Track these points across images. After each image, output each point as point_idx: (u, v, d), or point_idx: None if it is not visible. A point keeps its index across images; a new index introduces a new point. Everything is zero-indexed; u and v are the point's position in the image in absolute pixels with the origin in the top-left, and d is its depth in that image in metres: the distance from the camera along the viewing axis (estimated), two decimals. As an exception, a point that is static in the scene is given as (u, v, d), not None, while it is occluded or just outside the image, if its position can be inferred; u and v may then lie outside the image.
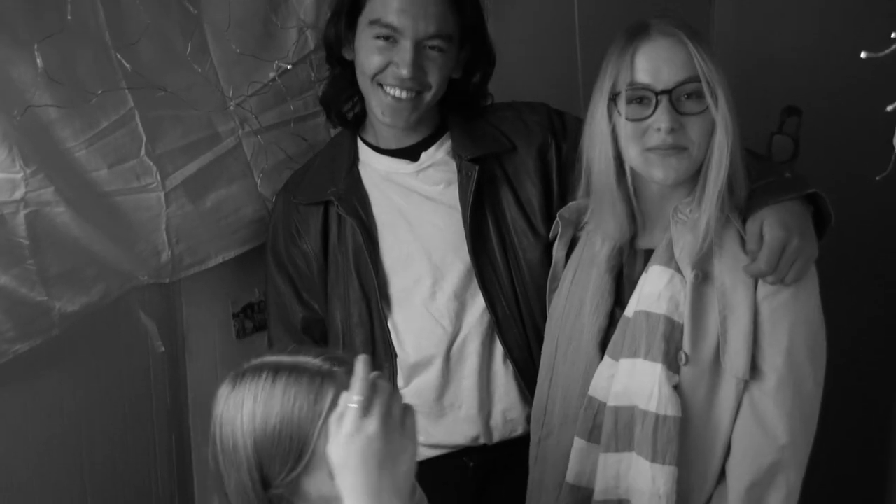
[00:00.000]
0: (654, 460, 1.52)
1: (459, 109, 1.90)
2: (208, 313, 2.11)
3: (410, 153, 1.88)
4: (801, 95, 2.55)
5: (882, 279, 2.56)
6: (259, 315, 2.18)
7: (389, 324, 1.85)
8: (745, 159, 1.55)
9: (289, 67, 2.08)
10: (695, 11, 2.78)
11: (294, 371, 1.25)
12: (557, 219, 1.76)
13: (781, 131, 2.49)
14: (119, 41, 1.75)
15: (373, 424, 1.16)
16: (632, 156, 1.56)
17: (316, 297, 1.94)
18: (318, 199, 1.89)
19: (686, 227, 1.55)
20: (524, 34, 2.51)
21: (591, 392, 1.61)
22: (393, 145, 1.88)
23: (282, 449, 1.22)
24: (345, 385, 1.21)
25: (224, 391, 1.28)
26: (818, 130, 2.54)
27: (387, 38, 1.76)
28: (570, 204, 1.75)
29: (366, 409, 1.17)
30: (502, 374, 1.84)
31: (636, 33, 1.54)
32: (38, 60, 1.59)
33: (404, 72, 1.74)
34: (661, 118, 1.50)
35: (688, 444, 1.53)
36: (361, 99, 1.89)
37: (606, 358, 1.60)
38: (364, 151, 1.92)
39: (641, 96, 1.52)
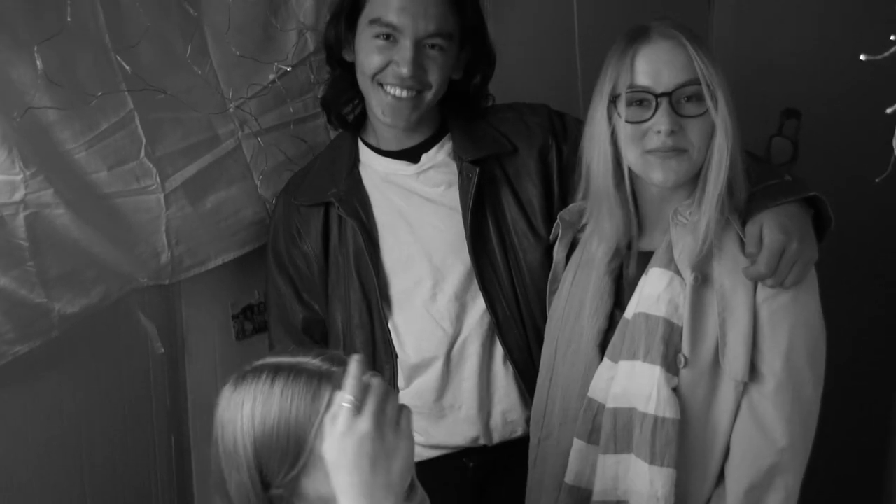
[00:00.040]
0: (652, 462, 1.52)
1: (460, 111, 1.90)
2: (208, 315, 2.11)
3: (411, 155, 1.88)
4: (801, 99, 2.55)
5: (882, 279, 2.57)
6: (259, 317, 2.18)
7: (390, 325, 1.85)
8: (745, 162, 1.55)
9: (288, 69, 2.08)
10: (694, 16, 2.79)
11: (293, 371, 1.26)
12: (558, 220, 1.76)
13: (780, 134, 2.50)
14: (119, 43, 1.75)
15: (365, 423, 1.17)
16: (631, 158, 1.56)
17: (316, 297, 1.94)
18: (319, 200, 1.89)
19: (686, 229, 1.55)
20: (523, 36, 2.51)
21: (590, 393, 1.61)
22: (393, 147, 1.89)
23: (280, 449, 1.22)
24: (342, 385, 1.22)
25: (226, 392, 1.28)
26: (817, 133, 2.55)
27: (387, 37, 1.76)
28: (571, 206, 1.75)
29: (358, 408, 1.18)
30: (502, 375, 1.84)
31: (636, 36, 1.54)
32: (38, 62, 1.60)
33: (404, 70, 1.75)
34: (660, 120, 1.50)
35: (686, 446, 1.53)
36: (362, 101, 1.89)
37: (606, 360, 1.61)
38: (365, 153, 1.92)
39: (641, 99, 1.52)
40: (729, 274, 1.53)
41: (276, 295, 1.97)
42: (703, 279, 1.53)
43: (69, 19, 1.63)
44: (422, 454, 1.70)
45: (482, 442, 1.86)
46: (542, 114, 1.91)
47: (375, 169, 1.90)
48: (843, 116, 2.60)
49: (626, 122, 1.54)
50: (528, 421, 1.79)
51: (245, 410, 1.24)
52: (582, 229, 1.72)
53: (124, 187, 1.79)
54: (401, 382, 1.85)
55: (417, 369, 1.85)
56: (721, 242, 1.54)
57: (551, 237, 1.80)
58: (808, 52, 2.77)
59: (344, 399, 1.18)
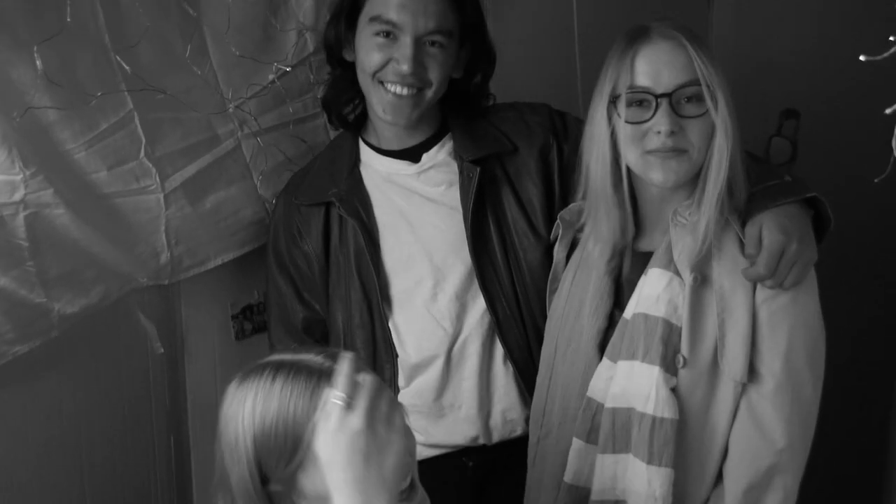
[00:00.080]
0: (650, 462, 1.52)
1: (460, 110, 1.91)
2: (207, 315, 2.11)
3: (412, 154, 1.88)
4: (800, 98, 2.55)
5: (882, 279, 2.57)
6: (258, 317, 2.18)
7: (390, 324, 1.85)
8: (745, 162, 1.55)
9: (288, 70, 2.08)
10: (693, 15, 2.79)
11: (293, 368, 1.27)
12: (558, 220, 1.77)
13: (780, 134, 2.50)
14: (118, 43, 1.75)
15: (357, 420, 1.18)
16: (631, 159, 1.56)
17: (317, 297, 1.94)
18: (320, 200, 1.90)
19: (685, 229, 1.55)
20: (523, 35, 2.51)
21: (589, 393, 1.62)
22: (394, 146, 1.89)
23: (278, 444, 1.23)
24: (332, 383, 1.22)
25: (231, 389, 1.30)
26: (817, 133, 2.54)
27: (387, 35, 1.76)
28: (571, 206, 1.75)
29: (350, 405, 1.18)
30: (502, 374, 1.84)
31: (636, 36, 1.54)
32: (38, 62, 1.60)
33: (405, 67, 1.75)
34: (660, 121, 1.50)
35: (685, 446, 1.53)
36: (362, 100, 1.89)
37: (605, 359, 1.61)
38: (365, 153, 1.92)
39: (641, 99, 1.52)
40: (728, 274, 1.53)
41: (276, 295, 1.97)
42: (702, 280, 1.53)
43: (69, 19, 1.63)
44: (421, 453, 1.71)
45: (482, 441, 1.86)
46: (543, 113, 1.91)
47: (376, 169, 1.90)
48: (843, 116, 2.60)
49: (626, 122, 1.53)
50: (527, 420, 1.79)
51: (247, 406, 1.25)
52: (582, 229, 1.72)
53: (124, 187, 1.80)
54: (401, 382, 1.85)
55: (418, 369, 1.85)
56: (720, 243, 1.54)
57: (552, 237, 1.80)
58: (807, 51, 2.77)
59: (335, 396, 1.19)
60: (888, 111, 1.07)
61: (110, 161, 1.76)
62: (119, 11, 1.76)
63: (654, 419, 1.51)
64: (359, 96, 1.89)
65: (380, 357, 1.85)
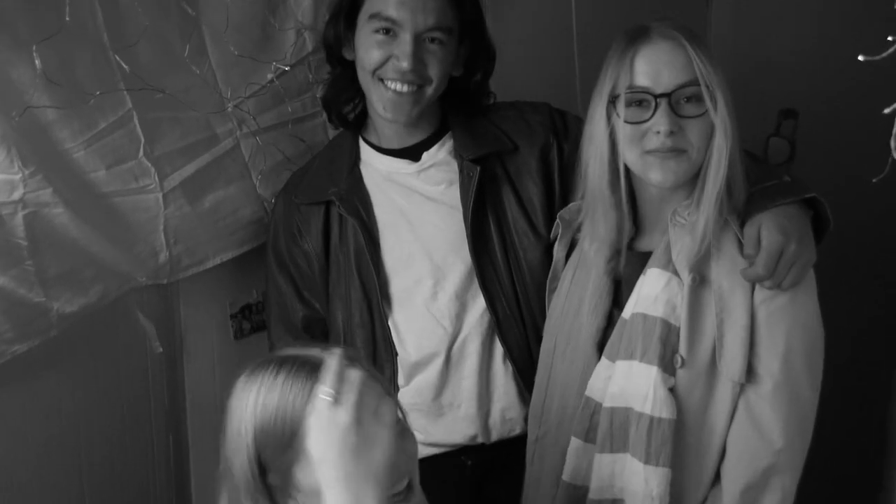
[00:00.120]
0: (647, 462, 1.52)
1: (461, 108, 1.91)
2: (206, 314, 2.11)
3: (412, 153, 1.88)
4: (799, 98, 2.56)
5: (882, 279, 2.57)
6: (257, 316, 2.18)
7: (390, 323, 1.86)
8: (745, 162, 1.55)
9: (287, 69, 2.08)
10: (692, 14, 2.79)
11: (297, 363, 1.29)
12: (558, 220, 1.77)
13: (778, 134, 2.50)
14: (117, 42, 1.75)
15: (343, 414, 1.18)
16: (630, 158, 1.56)
17: (317, 296, 1.94)
18: (320, 199, 1.90)
19: (684, 229, 1.55)
20: (522, 34, 2.51)
21: (587, 392, 1.62)
22: (395, 145, 1.89)
23: (277, 436, 1.25)
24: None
25: (239, 381, 1.31)
26: (816, 133, 2.55)
27: (386, 32, 1.77)
28: (571, 205, 1.76)
29: (338, 400, 1.19)
30: (502, 373, 1.84)
31: (636, 36, 1.54)
32: (37, 61, 1.59)
33: (405, 64, 1.75)
34: (660, 121, 1.50)
35: (682, 446, 1.53)
36: (362, 99, 1.89)
37: (603, 359, 1.61)
38: (366, 151, 1.92)
39: (641, 99, 1.52)
40: (727, 275, 1.53)
41: (276, 294, 1.97)
42: (700, 280, 1.53)
43: (68, 19, 1.62)
44: (420, 452, 1.70)
45: (480, 440, 1.86)
46: (544, 112, 1.91)
47: (376, 167, 1.90)
48: (842, 116, 2.60)
49: (626, 122, 1.54)
50: (526, 419, 1.79)
51: (251, 397, 1.27)
52: (580, 228, 1.73)
53: (123, 186, 1.80)
54: (401, 380, 1.86)
55: (417, 367, 1.85)
56: (719, 243, 1.54)
57: (552, 236, 1.80)
58: (806, 51, 2.77)
59: (322, 392, 1.20)
60: (887, 111, 1.07)
61: (109, 160, 1.76)
62: (118, 11, 1.76)
63: (651, 419, 1.51)
64: (359, 95, 1.89)
65: (380, 356, 1.86)
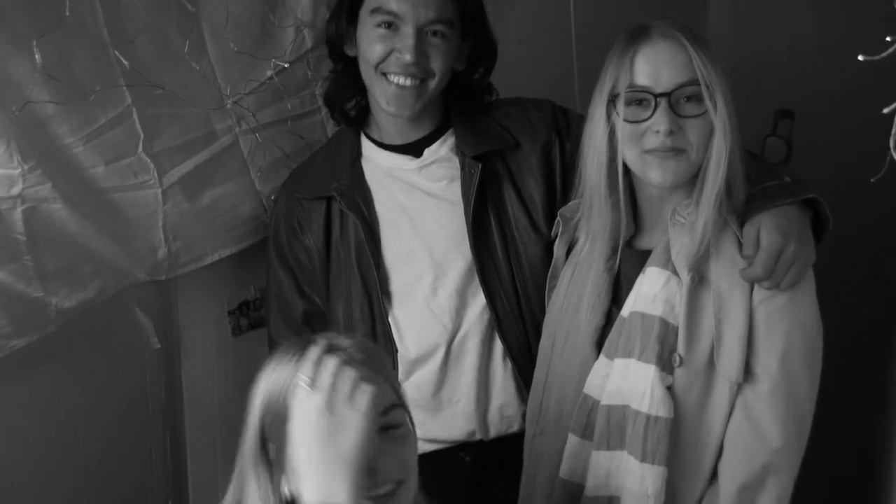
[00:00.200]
0: (643, 460, 1.52)
1: (463, 105, 1.91)
2: (204, 311, 2.11)
3: (414, 149, 1.88)
4: (797, 98, 2.56)
5: (882, 279, 2.57)
6: (255, 313, 2.18)
7: (390, 319, 1.86)
8: (745, 162, 1.56)
9: (286, 66, 2.08)
10: (690, 14, 2.78)
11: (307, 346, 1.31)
12: (558, 217, 1.77)
13: (774, 134, 2.51)
14: (117, 38, 1.75)
15: (316, 398, 1.21)
16: (630, 158, 1.56)
17: (317, 290, 1.94)
18: (321, 194, 1.90)
19: (683, 229, 1.56)
20: (522, 35, 2.51)
21: (585, 390, 1.62)
22: (397, 141, 1.89)
23: (274, 412, 1.27)
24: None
25: (269, 362, 1.35)
26: (814, 132, 2.55)
27: (388, 26, 1.77)
28: (571, 203, 1.75)
29: (313, 385, 1.22)
30: (501, 371, 1.84)
31: (636, 35, 1.54)
32: (37, 57, 1.59)
33: (407, 57, 1.75)
34: (659, 120, 1.51)
35: (680, 444, 1.53)
36: (364, 96, 1.90)
37: (602, 357, 1.61)
38: (367, 147, 1.92)
39: (641, 98, 1.53)
40: (726, 275, 1.53)
41: (276, 288, 1.97)
42: (699, 279, 1.53)
43: (68, 14, 1.62)
44: (419, 448, 1.71)
45: (478, 436, 1.86)
46: (546, 109, 1.92)
47: (378, 163, 1.91)
48: (840, 116, 2.60)
49: (625, 121, 1.54)
50: (524, 416, 1.79)
51: (268, 370, 1.31)
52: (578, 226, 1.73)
53: (122, 182, 1.79)
54: (400, 376, 1.85)
55: (417, 363, 1.85)
56: (719, 243, 1.54)
57: (552, 234, 1.80)
58: (804, 51, 2.77)
59: (299, 378, 1.23)
60: (886, 111, 1.07)
61: (108, 156, 1.76)
62: (118, 6, 1.76)
63: (648, 417, 1.52)
64: (360, 92, 1.89)
65: (380, 351, 1.86)
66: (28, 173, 1.59)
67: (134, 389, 1.97)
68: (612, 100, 1.55)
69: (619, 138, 1.56)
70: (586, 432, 1.61)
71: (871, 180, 1.25)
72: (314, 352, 1.26)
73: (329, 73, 1.97)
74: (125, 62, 1.75)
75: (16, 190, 1.59)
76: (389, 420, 1.31)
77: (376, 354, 1.37)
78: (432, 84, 1.81)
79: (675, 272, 1.55)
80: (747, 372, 1.52)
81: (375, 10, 1.77)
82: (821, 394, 1.56)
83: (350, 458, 1.19)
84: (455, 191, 1.85)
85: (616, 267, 1.64)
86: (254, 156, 2.06)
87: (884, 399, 2.13)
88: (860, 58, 1.10)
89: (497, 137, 1.87)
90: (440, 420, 1.85)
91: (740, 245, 1.54)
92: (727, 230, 1.55)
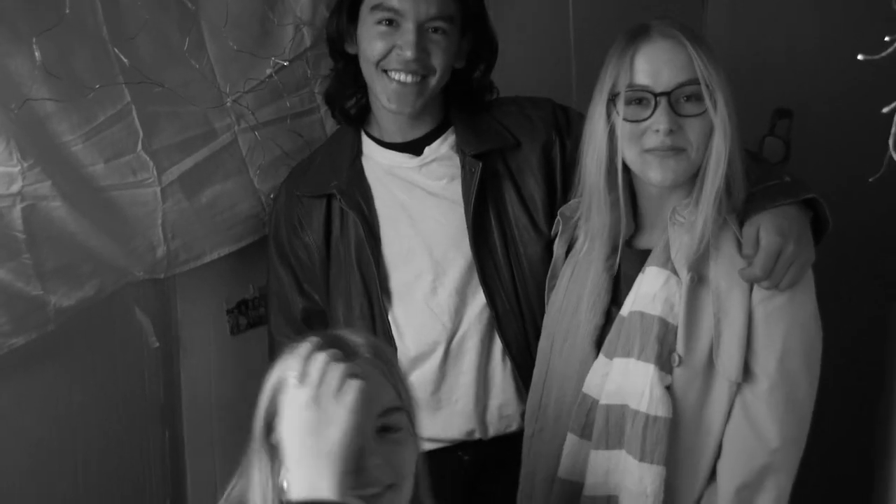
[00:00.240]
0: (642, 459, 1.52)
1: (463, 104, 1.91)
2: (203, 309, 2.11)
3: (414, 147, 1.89)
4: (795, 98, 2.56)
5: (882, 279, 2.57)
6: (253, 312, 2.18)
7: (390, 318, 1.86)
8: (745, 162, 1.56)
9: (285, 64, 2.08)
10: (688, 14, 2.79)
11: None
12: (558, 216, 1.77)
13: (772, 134, 2.50)
14: (117, 36, 1.75)
15: (303, 393, 1.21)
16: (630, 157, 1.57)
17: (317, 288, 1.94)
18: (321, 192, 1.90)
19: (683, 228, 1.56)
20: (521, 35, 2.51)
21: (584, 389, 1.62)
22: (397, 139, 1.89)
23: (274, 404, 1.28)
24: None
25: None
26: (814, 132, 2.55)
27: (389, 22, 1.77)
28: (571, 202, 1.75)
29: (300, 380, 1.22)
30: (500, 370, 1.84)
31: (637, 35, 1.54)
32: (36, 54, 1.59)
33: (408, 53, 1.76)
34: (659, 120, 1.51)
35: (678, 444, 1.53)
36: (364, 94, 1.90)
37: (601, 356, 1.61)
38: (367, 145, 1.93)
39: (640, 97, 1.53)
40: (725, 275, 1.53)
41: (276, 285, 1.97)
42: (699, 279, 1.54)
43: (67, 11, 1.62)
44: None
45: (477, 435, 1.86)
46: (546, 108, 1.92)
47: (378, 161, 1.91)
48: (839, 116, 2.60)
49: (625, 120, 1.54)
50: (523, 416, 1.79)
51: (280, 364, 1.31)
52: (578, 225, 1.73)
53: (121, 180, 1.79)
54: (400, 375, 1.86)
55: (416, 362, 1.85)
56: (718, 243, 1.55)
57: (552, 233, 1.81)
58: (803, 51, 2.77)
59: (288, 373, 1.24)
60: (886, 110, 1.07)
61: (107, 154, 1.76)
62: (117, 4, 1.76)
63: (647, 417, 1.52)
64: (361, 90, 1.90)
65: (379, 349, 1.86)
66: (27, 171, 1.59)
67: (133, 388, 1.97)
68: (612, 99, 1.56)
69: (619, 137, 1.56)
70: (585, 431, 1.61)
71: (870, 180, 1.25)
72: (305, 347, 1.26)
73: (329, 72, 1.97)
74: (125, 60, 1.75)
75: (15, 188, 1.59)
76: (388, 422, 1.30)
77: (385, 355, 1.36)
78: (433, 81, 1.81)
79: (674, 271, 1.55)
80: (746, 372, 1.52)
81: (376, 7, 1.78)
82: (820, 394, 1.56)
83: (335, 452, 1.18)
84: (455, 189, 1.85)
85: (616, 266, 1.64)
86: (253, 154, 2.06)
87: (884, 399, 2.13)
88: (860, 57, 1.10)
89: (497, 136, 1.87)
90: (439, 419, 1.85)
91: (740, 245, 1.54)
92: (727, 230, 1.55)
